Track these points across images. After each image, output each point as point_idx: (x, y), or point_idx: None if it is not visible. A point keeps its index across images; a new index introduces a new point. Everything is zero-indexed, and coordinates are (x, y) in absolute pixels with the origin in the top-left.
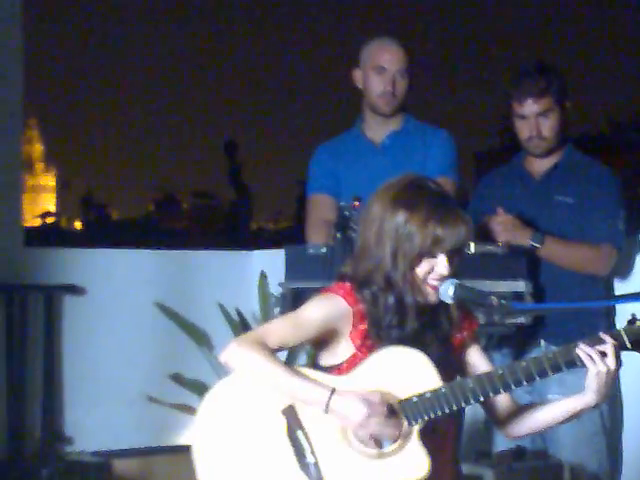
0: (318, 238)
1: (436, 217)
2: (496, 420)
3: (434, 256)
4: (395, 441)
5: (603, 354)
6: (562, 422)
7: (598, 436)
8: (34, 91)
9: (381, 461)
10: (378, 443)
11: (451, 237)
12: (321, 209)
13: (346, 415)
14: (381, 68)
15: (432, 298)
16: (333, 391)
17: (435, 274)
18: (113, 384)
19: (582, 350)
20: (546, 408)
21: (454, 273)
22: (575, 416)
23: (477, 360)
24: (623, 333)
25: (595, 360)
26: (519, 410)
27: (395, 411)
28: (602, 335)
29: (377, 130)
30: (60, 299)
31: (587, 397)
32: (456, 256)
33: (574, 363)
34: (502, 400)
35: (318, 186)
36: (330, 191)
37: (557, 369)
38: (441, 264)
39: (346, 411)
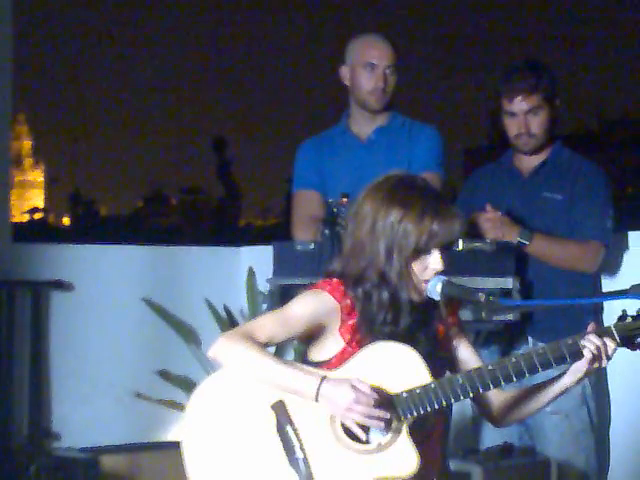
0: (305, 234)
1: (431, 213)
2: (485, 412)
3: (429, 252)
4: (384, 435)
5: (605, 349)
6: (545, 407)
7: (586, 433)
8: (23, 86)
9: (370, 456)
10: (365, 431)
11: (446, 232)
12: (307, 205)
13: (334, 400)
14: (371, 65)
15: (426, 295)
16: (323, 378)
17: (430, 270)
18: (101, 380)
19: (590, 342)
20: (528, 399)
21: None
22: (554, 399)
23: (467, 356)
24: (613, 329)
25: (600, 354)
26: (507, 400)
27: (384, 402)
28: (612, 329)
29: (363, 125)
30: (48, 295)
31: (566, 379)
32: (447, 251)
33: (564, 359)
34: (491, 394)
35: (304, 182)
36: (316, 187)
37: (547, 365)
38: (435, 260)
39: (335, 396)
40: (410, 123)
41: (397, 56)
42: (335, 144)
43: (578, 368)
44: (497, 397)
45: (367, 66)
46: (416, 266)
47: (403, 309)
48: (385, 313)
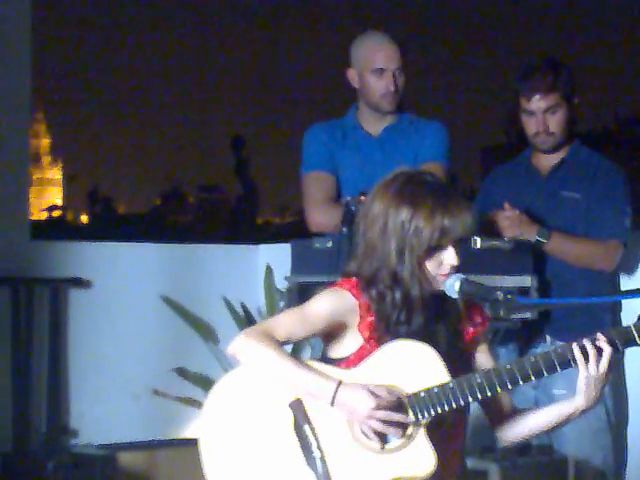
0: (323, 217)
1: (441, 208)
2: (493, 423)
3: (442, 248)
4: (402, 436)
5: (600, 354)
6: (555, 427)
7: (603, 431)
8: (41, 85)
9: (387, 456)
10: (383, 437)
11: (458, 227)
12: (322, 186)
13: (353, 408)
14: (380, 70)
15: (442, 287)
16: (340, 384)
17: (445, 266)
18: (118, 377)
19: (577, 349)
20: (538, 413)
21: (458, 266)
22: (566, 421)
23: (484, 360)
24: (633, 329)
25: (590, 361)
26: (515, 414)
27: (402, 405)
28: (599, 338)
29: (372, 124)
30: (66, 292)
31: (577, 400)
32: (460, 246)
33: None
34: (503, 403)
35: (316, 164)
36: (329, 169)
37: (566, 365)
38: (450, 255)
39: (353, 404)
40: (417, 121)
41: (404, 56)
42: (347, 137)
43: (579, 386)
44: (507, 408)
45: (376, 71)
46: (430, 263)
47: (416, 308)
48: (399, 313)
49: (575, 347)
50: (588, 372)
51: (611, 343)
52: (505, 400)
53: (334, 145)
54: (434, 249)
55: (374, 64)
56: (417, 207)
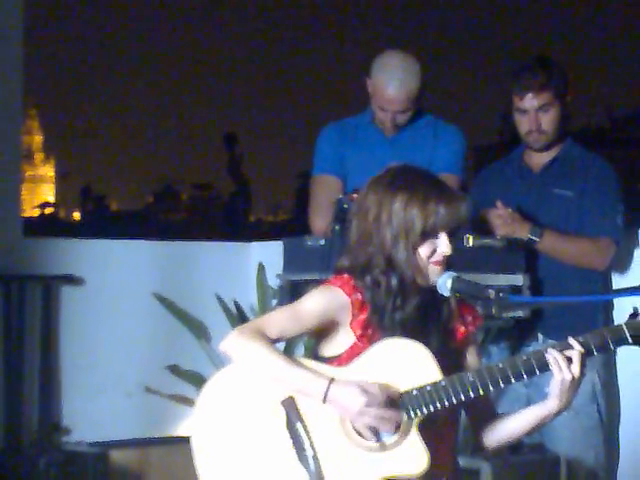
0: (323, 222)
1: (435, 196)
2: (475, 427)
3: (436, 236)
4: (394, 433)
5: (569, 360)
6: (529, 431)
7: (595, 430)
8: (34, 81)
9: (380, 454)
10: (376, 434)
11: (452, 214)
12: (327, 190)
13: (344, 405)
14: (382, 107)
15: (435, 278)
16: (331, 381)
17: (438, 254)
18: (111, 375)
19: (551, 355)
20: (511, 418)
21: (451, 264)
22: (541, 424)
23: (473, 361)
24: (625, 327)
25: (561, 366)
26: (495, 419)
27: (395, 402)
28: (571, 340)
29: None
30: (58, 289)
31: (549, 403)
32: (454, 236)
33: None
34: (486, 406)
35: (325, 167)
36: (337, 173)
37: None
38: (443, 243)
39: (345, 401)
40: (435, 122)
41: (415, 94)
42: (358, 135)
43: (552, 389)
44: (490, 412)
45: (379, 106)
46: (423, 251)
47: (410, 293)
48: (394, 299)
49: (547, 354)
50: (562, 376)
51: (585, 347)
52: (488, 404)
53: (344, 145)
54: (428, 235)
55: (379, 100)
56: (412, 194)
